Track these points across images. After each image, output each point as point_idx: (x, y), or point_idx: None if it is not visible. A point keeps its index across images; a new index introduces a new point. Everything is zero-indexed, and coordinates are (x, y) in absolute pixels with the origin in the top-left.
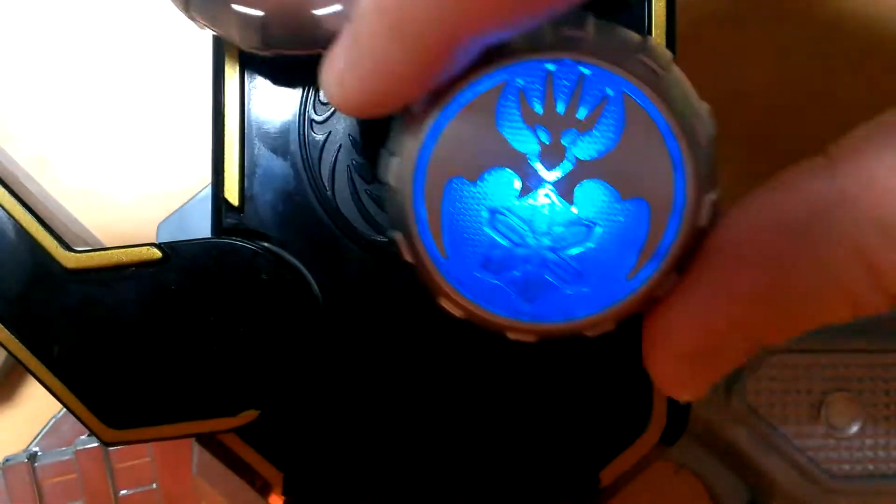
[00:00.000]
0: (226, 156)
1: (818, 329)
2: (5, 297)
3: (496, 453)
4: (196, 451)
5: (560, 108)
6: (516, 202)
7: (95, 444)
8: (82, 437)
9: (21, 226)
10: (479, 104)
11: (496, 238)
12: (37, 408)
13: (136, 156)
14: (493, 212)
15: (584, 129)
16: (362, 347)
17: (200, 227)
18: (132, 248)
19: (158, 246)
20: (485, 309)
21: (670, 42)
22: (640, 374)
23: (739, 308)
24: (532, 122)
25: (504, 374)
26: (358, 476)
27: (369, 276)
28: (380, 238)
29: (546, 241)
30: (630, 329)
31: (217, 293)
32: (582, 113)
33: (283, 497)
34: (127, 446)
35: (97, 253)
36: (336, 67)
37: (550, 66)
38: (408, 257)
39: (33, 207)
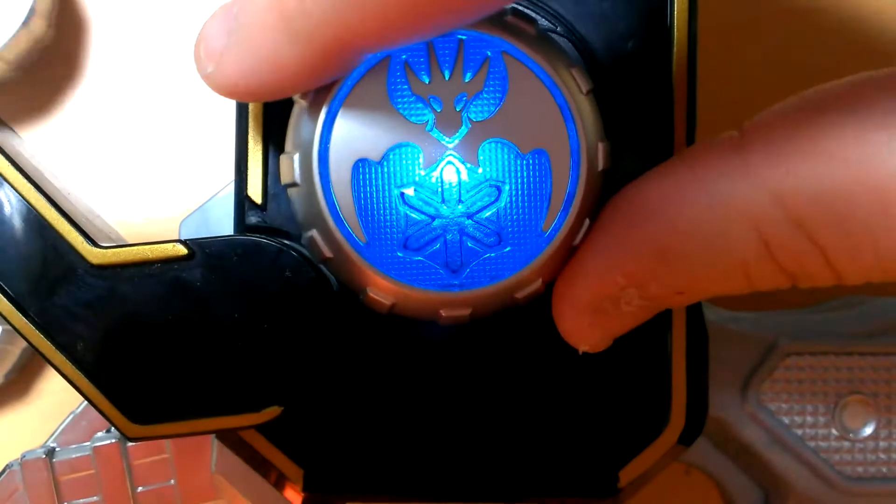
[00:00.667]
0: (249, 154)
1: (823, 329)
2: (31, 293)
3: (516, 450)
4: (215, 448)
5: (446, 74)
6: (424, 175)
7: (113, 441)
8: (100, 433)
9: (47, 221)
10: (368, 84)
11: (411, 215)
12: (53, 403)
13: (159, 154)
14: (404, 188)
15: (473, 91)
16: (382, 345)
17: (222, 224)
18: (158, 245)
19: (184, 242)
20: (415, 287)
21: (692, 43)
22: (659, 375)
23: (635, 263)
24: (422, 92)
25: (525, 373)
26: (377, 472)
27: None
28: None
29: (460, 209)
30: (647, 333)
31: (241, 290)
32: (468, 76)
33: (302, 493)
34: (145, 443)
35: (122, 249)
36: (213, 45)
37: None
38: (327, 252)
39: (59, 203)
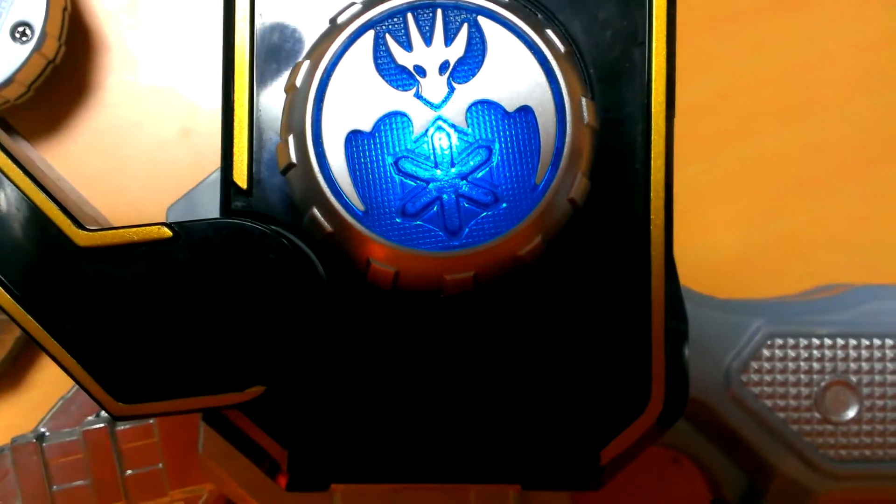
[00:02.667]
0: (235, 140)
1: (805, 314)
2: (19, 275)
3: (499, 432)
4: (202, 431)
5: (427, 42)
6: (415, 142)
7: (103, 425)
8: (89, 417)
9: (35, 205)
10: (353, 59)
11: (407, 181)
12: (44, 393)
13: (145, 141)
14: (398, 156)
15: (455, 56)
16: (366, 326)
17: (209, 210)
18: (143, 227)
19: (169, 225)
20: (417, 251)
21: (670, 40)
22: (639, 357)
23: None
24: (406, 62)
25: (506, 355)
26: (360, 455)
27: None
28: None
29: (453, 171)
30: (627, 316)
31: (225, 271)
32: (448, 42)
33: (286, 474)
34: (133, 427)
35: (109, 231)
36: None
37: (406, 8)
38: (328, 227)
39: (47, 188)
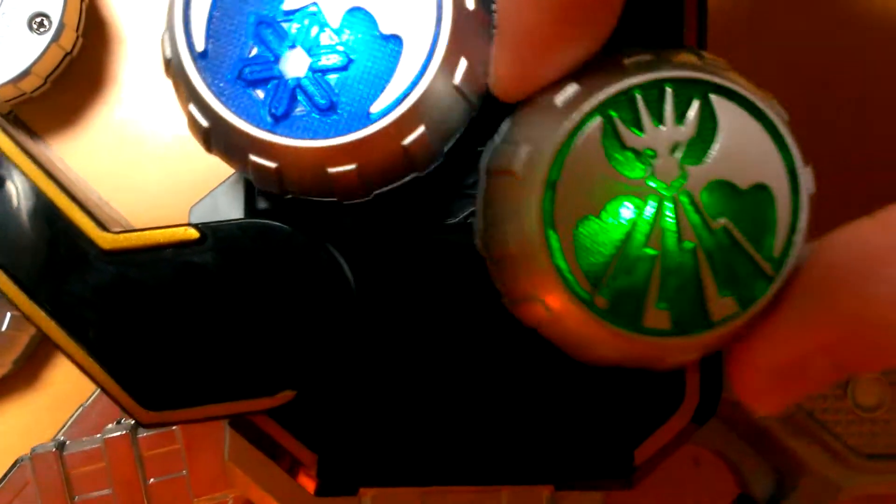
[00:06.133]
0: None
1: None
2: (42, 279)
3: (533, 433)
4: (228, 436)
5: None
6: (284, 16)
7: (124, 432)
8: (110, 425)
9: (57, 207)
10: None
11: (258, 47)
12: (62, 393)
13: (164, 136)
14: (260, 20)
15: None
16: (395, 329)
17: (232, 210)
18: (169, 229)
19: (195, 226)
20: (233, 113)
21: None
22: None
23: (827, 329)
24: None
25: (540, 355)
26: (393, 457)
27: (401, 258)
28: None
29: (305, 61)
30: None
31: (253, 273)
32: None
33: (316, 479)
34: (156, 434)
35: (134, 234)
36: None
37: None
38: (167, 52)
39: (69, 190)
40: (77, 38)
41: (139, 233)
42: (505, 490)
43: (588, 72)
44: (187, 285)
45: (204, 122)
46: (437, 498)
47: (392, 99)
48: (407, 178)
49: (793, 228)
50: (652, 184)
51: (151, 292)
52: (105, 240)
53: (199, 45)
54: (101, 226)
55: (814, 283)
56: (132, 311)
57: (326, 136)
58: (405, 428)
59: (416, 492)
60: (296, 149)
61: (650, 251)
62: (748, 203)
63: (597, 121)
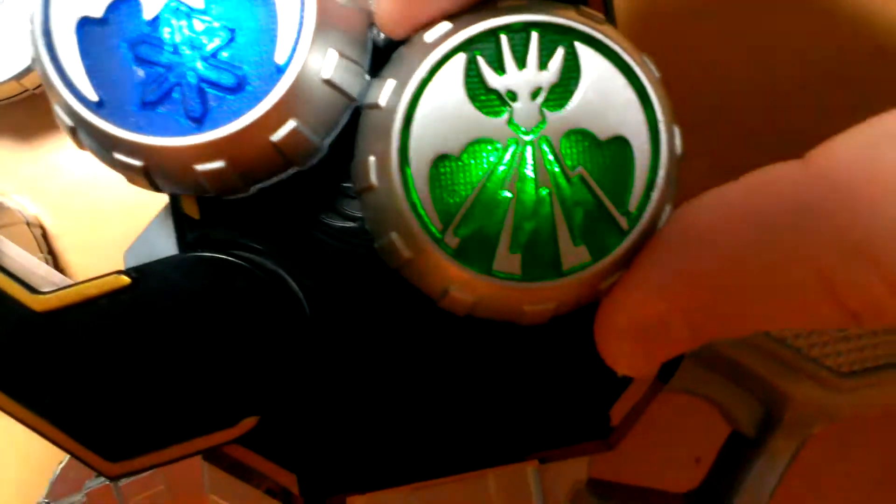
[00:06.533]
0: None
1: None
2: None
3: (508, 410)
4: (206, 470)
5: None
6: (150, 27)
7: (106, 482)
8: (89, 480)
9: None
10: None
11: (143, 69)
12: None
13: (91, 185)
14: (131, 42)
15: None
16: (350, 336)
17: (167, 247)
18: (99, 280)
19: (125, 272)
20: (160, 139)
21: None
22: None
23: (683, 291)
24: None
25: (498, 332)
26: (371, 461)
27: (346, 266)
28: (349, 224)
29: (195, 55)
30: None
31: (193, 307)
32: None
33: (300, 497)
34: (138, 480)
35: (64, 291)
36: None
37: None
38: (67, 121)
39: None
40: None
41: (69, 289)
42: (490, 472)
43: (465, 13)
44: (127, 332)
45: (138, 162)
46: (426, 493)
47: (291, 43)
48: (289, 173)
49: (650, 185)
50: (512, 128)
51: (93, 345)
52: (37, 301)
53: (93, 97)
54: (32, 289)
55: (673, 244)
56: (77, 368)
57: (250, 107)
58: (380, 430)
59: (403, 491)
60: (234, 136)
61: (506, 195)
62: (607, 155)
63: (460, 57)
